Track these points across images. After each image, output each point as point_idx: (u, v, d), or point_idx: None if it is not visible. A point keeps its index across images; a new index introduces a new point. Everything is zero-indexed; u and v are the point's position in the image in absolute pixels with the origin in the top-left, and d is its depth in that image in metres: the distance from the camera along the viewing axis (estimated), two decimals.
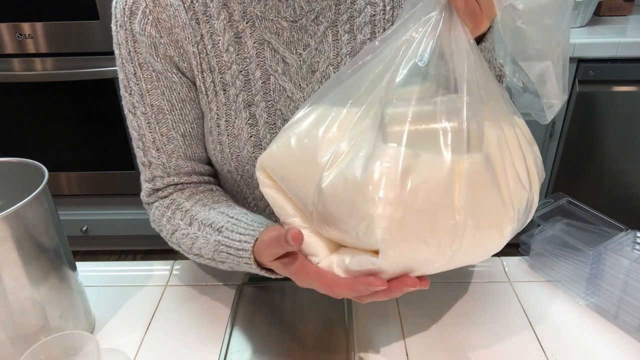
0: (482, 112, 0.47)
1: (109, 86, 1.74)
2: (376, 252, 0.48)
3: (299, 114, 0.55)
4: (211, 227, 0.66)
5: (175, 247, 0.72)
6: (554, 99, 0.51)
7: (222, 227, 0.65)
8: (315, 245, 0.54)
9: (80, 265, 0.73)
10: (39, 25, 1.72)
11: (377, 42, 0.51)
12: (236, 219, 0.65)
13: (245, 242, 0.61)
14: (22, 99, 1.85)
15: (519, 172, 0.50)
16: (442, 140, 0.46)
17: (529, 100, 0.54)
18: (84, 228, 2.08)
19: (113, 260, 2.16)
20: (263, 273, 0.61)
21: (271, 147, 0.55)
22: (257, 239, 0.60)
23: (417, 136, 0.46)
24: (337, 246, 0.54)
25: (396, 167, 0.45)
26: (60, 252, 0.64)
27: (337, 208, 0.48)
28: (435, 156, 0.46)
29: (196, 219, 0.68)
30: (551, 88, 0.50)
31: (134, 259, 2.13)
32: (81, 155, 1.96)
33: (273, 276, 0.60)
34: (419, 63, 0.47)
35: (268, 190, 0.57)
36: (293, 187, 0.54)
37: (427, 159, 0.45)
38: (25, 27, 1.72)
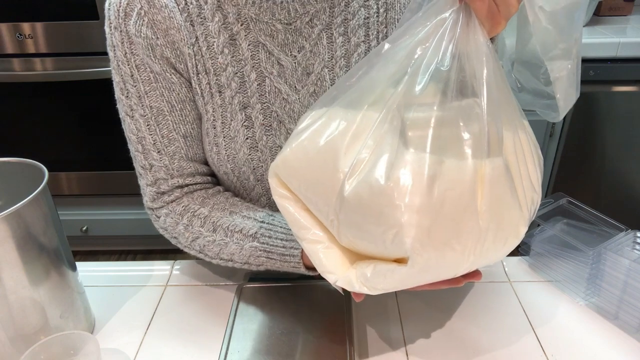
0: (500, 116, 0.47)
1: (109, 86, 1.72)
2: (399, 260, 0.48)
3: (310, 116, 0.54)
4: (242, 233, 0.68)
5: (194, 253, 0.73)
6: (570, 97, 0.51)
7: (256, 233, 0.67)
8: (331, 262, 0.53)
9: (80, 265, 0.73)
10: (39, 25, 1.72)
11: (386, 44, 0.50)
12: (268, 223, 0.68)
13: (292, 248, 0.65)
14: (22, 99, 1.85)
15: (530, 174, 0.51)
16: (465, 146, 0.46)
17: (527, 100, 0.55)
18: (84, 228, 2.08)
19: (113, 260, 2.15)
20: (310, 273, 0.66)
21: (284, 153, 0.54)
22: None
23: (439, 141, 0.46)
24: (353, 259, 0.53)
25: (422, 173, 0.45)
26: (60, 252, 0.64)
27: (362, 216, 0.48)
28: (458, 162, 0.46)
29: (220, 225, 0.70)
30: (568, 87, 0.50)
31: (134, 259, 2.13)
32: (81, 155, 1.96)
33: (316, 273, 0.63)
34: (442, 68, 0.47)
35: (281, 201, 0.56)
36: (310, 194, 0.53)
37: (451, 165, 0.45)
38: (25, 27, 1.72)
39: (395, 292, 0.75)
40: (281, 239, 0.66)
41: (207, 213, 0.71)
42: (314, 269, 0.62)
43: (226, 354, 0.63)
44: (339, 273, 0.52)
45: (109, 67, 0.71)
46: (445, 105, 0.47)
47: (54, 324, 0.64)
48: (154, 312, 0.73)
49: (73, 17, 1.70)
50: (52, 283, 0.63)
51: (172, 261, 0.83)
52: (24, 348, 0.58)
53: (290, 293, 0.73)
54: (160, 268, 0.82)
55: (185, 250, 0.74)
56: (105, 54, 0.70)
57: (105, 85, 0.71)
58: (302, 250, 0.65)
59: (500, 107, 0.47)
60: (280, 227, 0.67)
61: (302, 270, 0.66)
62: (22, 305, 0.61)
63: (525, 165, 0.50)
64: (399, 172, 0.45)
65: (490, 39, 0.55)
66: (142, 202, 0.76)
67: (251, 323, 0.68)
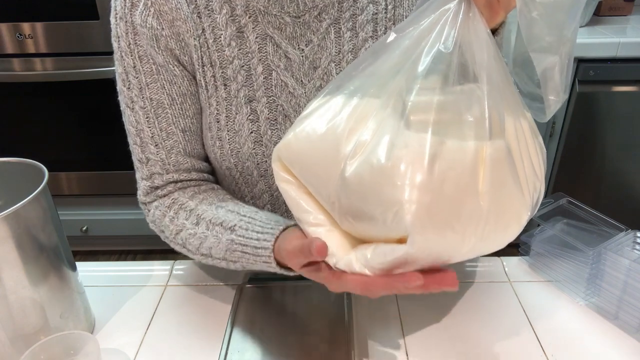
0: (501, 101, 0.48)
1: (109, 86, 1.73)
2: (401, 241, 0.48)
3: (315, 103, 0.55)
4: (222, 226, 0.66)
5: (178, 248, 0.72)
6: (555, 97, 0.51)
7: (235, 225, 0.65)
8: (332, 245, 0.53)
9: (80, 265, 0.73)
10: (39, 25, 1.72)
11: (393, 33, 0.51)
12: (249, 217, 0.65)
13: (265, 240, 0.61)
14: (22, 99, 1.85)
15: (532, 161, 0.51)
16: (466, 128, 0.47)
17: (525, 103, 0.55)
18: (84, 228, 2.08)
19: (113, 260, 2.16)
20: (282, 271, 0.61)
21: (288, 137, 0.55)
22: (277, 237, 0.60)
23: (440, 124, 0.47)
24: (354, 243, 0.54)
25: (423, 152, 0.45)
26: (60, 252, 0.64)
27: (363, 196, 0.48)
28: (460, 143, 0.46)
29: (203, 218, 0.68)
30: (554, 85, 0.51)
31: (134, 259, 2.13)
32: (81, 155, 1.96)
33: (292, 273, 0.61)
34: (443, 50, 0.47)
35: (283, 185, 0.56)
36: (312, 178, 0.54)
37: (452, 146, 0.46)
38: (25, 27, 1.72)
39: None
40: (256, 232, 0.63)
41: (193, 206, 0.70)
42: (287, 268, 0.60)
43: (226, 354, 0.63)
44: (339, 255, 0.53)
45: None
46: (447, 89, 0.47)
47: (54, 324, 0.64)
48: (154, 312, 0.73)
49: (73, 17, 1.70)
50: (52, 283, 0.63)
51: (172, 261, 0.84)
52: (24, 348, 0.58)
53: (290, 293, 0.73)
54: (160, 268, 0.82)
55: (171, 245, 0.72)
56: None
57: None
58: (276, 245, 0.61)
59: (501, 93, 0.48)
60: (261, 221, 0.64)
61: (273, 266, 0.61)
62: (22, 305, 0.61)
63: (527, 152, 0.51)
64: (399, 152, 0.46)
65: (494, 34, 0.56)
66: (139, 202, 0.76)
67: (251, 323, 0.68)
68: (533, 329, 0.69)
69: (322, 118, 0.53)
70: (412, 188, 0.45)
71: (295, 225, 0.60)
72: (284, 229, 0.61)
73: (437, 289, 0.49)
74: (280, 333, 0.66)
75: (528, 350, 0.66)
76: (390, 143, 0.46)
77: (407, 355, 0.65)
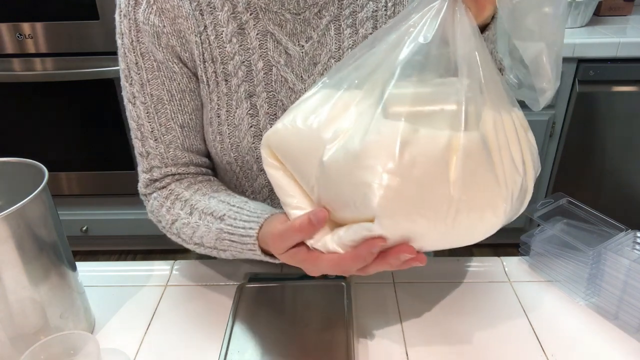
0: (482, 94, 0.49)
1: (109, 86, 1.74)
2: (372, 221, 0.49)
3: (305, 95, 0.57)
4: (212, 215, 0.67)
5: (174, 238, 0.73)
6: (547, 85, 0.52)
7: (224, 215, 0.66)
8: None
9: (80, 265, 0.73)
10: (39, 25, 1.72)
11: (382, 29, 0.53)
12: (238, 207, 0.66)
13: (250, 228, 0.62)
14: (22, 99, 1.85)
15: (513, 155, 0.51)
16: (441, 119, 0.48)
17: (524, 95, 0.55)
18: (84, 228, 2.08)
19: (113, 260, 2.16)
20: (267, 259, 0.63)
21: (277, 125, 0.57)
22: (261, 225, 0.62)
23: (416, 114, 0.48)
24: (333, 228, 0.55)
25: (395, 139, 0.46)
26: (60, 252, 0.64)
27: (337, 180, 0.50)
28: (433, 131, 0.47)
29: (196, 208, 0.69)
30: (544, 72, 0.51)
31: (134, 259, 2.13)
32: (81, 155, 1.96)
33: (276, 261, 0.61)
34: (422, 41, 0.49)
35: (270, 170, 0.58)
36: (296, 163, 0.55)
37: (425, 134, 0.47)
38: (25, 27, 1.72)
39: (395, 291, 0.75)
40: (243, 220, 0.64)
41: (188, 196, 0.71)
42: (271, 256, 0.62)
43: (226, 354, 0.63)
44: (317, 237, 0.54)
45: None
46: (428, 81, 0.49)
47: (54, 324, 0.64)
48: (154, 312, 0.73)
49: (73, 17, 1.70)
50: (52, 283, 0.63)
51: (172, 261, 0.84)
52: (24, 348, 0.58)
53: (290, 293, 0.73)
54: (160, 268, 0.82)
55: (167, 234, 0.73)
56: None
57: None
58: (260, 232, 0.62)
59: (482, 87, 0.49)
60: (248, 210, 0.65)
61: (258, 254, 0.62)
62: (22, 305, 0.61)
63: (507, 146, 0.51)
64: (372, 137, 0.47)
65: (486, 29, 0.56)
66: (142, 202, 0.76)
67: (251, 323, 0.68)
68: (533, 329, 0.69)
69: (309, 108, 0.55)
70: (382, 172, 0.46)
71: (282, 212, 0.60)
72: (269, 217, 0.62)
73: (396, 258, 0.50)
74: (280, 333, 0.66)
75: (528, 350, 0.66)
76: (365, 130, 0.48)
77: (407, 354, 0.65)
